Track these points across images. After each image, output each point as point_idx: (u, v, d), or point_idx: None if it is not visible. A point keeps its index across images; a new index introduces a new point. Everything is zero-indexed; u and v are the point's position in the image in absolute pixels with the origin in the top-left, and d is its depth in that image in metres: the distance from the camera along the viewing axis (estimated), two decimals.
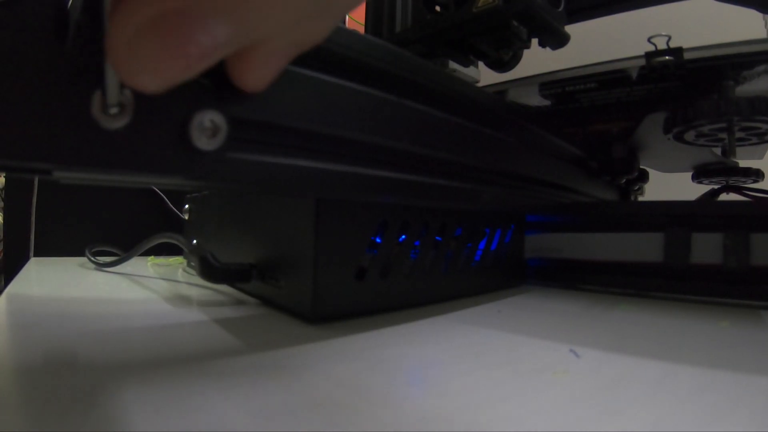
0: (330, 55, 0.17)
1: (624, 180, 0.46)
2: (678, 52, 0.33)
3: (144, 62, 0.09)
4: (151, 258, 0.45)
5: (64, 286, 0.30)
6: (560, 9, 0.29)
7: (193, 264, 0.25)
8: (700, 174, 0.45)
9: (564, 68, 0.39)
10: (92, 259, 0.38)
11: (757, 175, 0.43)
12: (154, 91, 0.09)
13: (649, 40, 0.34)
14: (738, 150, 0.37)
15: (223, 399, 0.11)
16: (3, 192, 0.59)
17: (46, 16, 0.10)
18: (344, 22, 0.69)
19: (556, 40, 0.29)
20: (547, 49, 0.30)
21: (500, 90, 0.42)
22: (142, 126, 0.11)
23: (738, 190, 0.42)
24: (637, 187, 0.51)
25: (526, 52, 0.32)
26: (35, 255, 0.47)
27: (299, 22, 0.10)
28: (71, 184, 0.13)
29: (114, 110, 0.10)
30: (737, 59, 0.32)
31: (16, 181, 0.48)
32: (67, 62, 0.10)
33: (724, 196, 0.43)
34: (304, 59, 0.16)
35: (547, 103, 0.42)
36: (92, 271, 0.36)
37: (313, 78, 0.16)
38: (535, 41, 0.30)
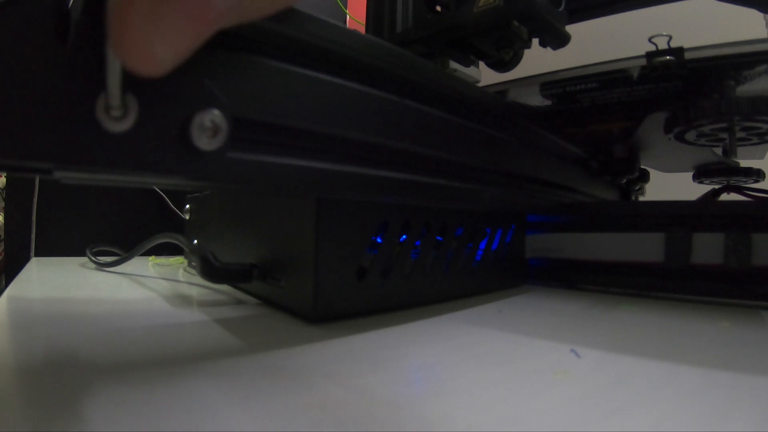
0: (331, 55, 0.17)
1: (625, 180, 0.46)
2: (679, 51, 0.33)
3: (164, 30, 0.08)
4: (152, 258, 0.45)
5: (64, 286, 0.30)
6: (561, 9, 0.29)
7: (193, 264, 0.25)
8: (700, 174, 0.45)
9: (565, 68, 0.39)
10: (93, 258, 0.38)
11: (758, 175, 0.43)
12: (161, 68, 0.09)
13: (650, 39, 0.34)
14: (739, 150, 0.37)
15: (224, 399, 0.11)
16: (4, 192, 0.59)
17: (47, 16, 0.10)
18: (345, 22, 0.69)
19: (557, 40, 0.29)
20: (548, 49, 0.30)
21: (501, 90, 0.42)
22: (144, 126, 0.11)
23: (739, 190, 0.42)
24: (637, 187, 0.51)
25: (526, 52, 0.32)
26: (36, 255, 0.47)
27: None
28: (72, 184, 0.13)
29: (117, 112, 0.10)
30: (738, 59, 0.32)
31: (17, 181, 0.48)
32: (69, 62, 0.10)
33: (725, 196, 0.43)
34: (306, 59, 0.16)
35: (547, 103, 0.42)
36: (93, 270, 0.36)
37: (314, 78, 0.16)
38: (535, 41, 0.30)
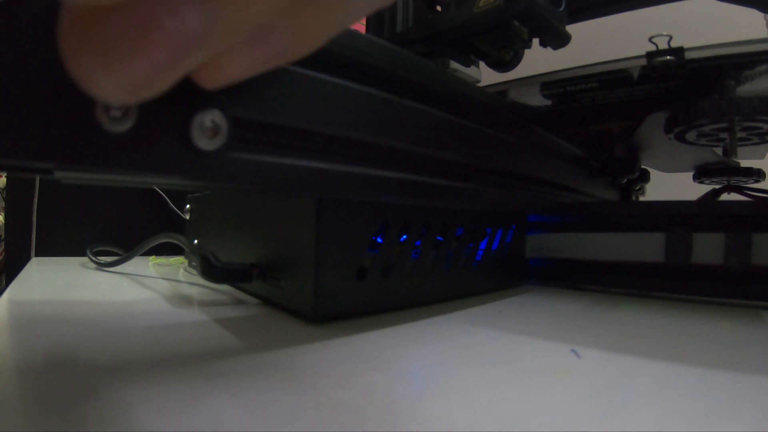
0: (331, 55, 0.17)
1: (625, 180, 0.46)
2: (679, 51, 0.33)
3: (100, 54, 0.07)
4: (152, 258, 0.45)
5: (65, 286, 0.30)
6: (561, 9, 0.29)
7: (194, 264, 0.25)
8: (701, 174, 0.45)
9: (565, 68, 0.39)
10: (93, 258, 0.38)
11: (759, 175, 0.43)
12: (116, 100, 0.08)
13: (650, 39, 0.34)
14: (739, 150, 0.37)
15: (224, 399, 0.11)
16: (4, 192, 0.59)
17: (48, 16, 0.10)
18: None
19: (558, 40, 0.29)
20: (549, 48, 0.30)
21: (501, 90, 0.42)
22: (143, 126, 0.11)
23: (739, 190, 0.42)
24: (638, 187, 0.51)
25: (527, 51, 0.32)
26: (36, 255, 0.47)
27: (284, 17, 0.09)
28: (72, 184, 0.13)
29: (117, 113, 0.10)
30: (738, 59, 0.32)
31: (17, 181, 0.48)
32: None
33: (725, 196, 0.43)
34: (306, 59, 0.16)
35: (548, 102, 0.42)
36: (93, 270, 0.36)
37: (314, 78, 0.16)
38: (536, 41, 0.30)
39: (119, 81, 0.07)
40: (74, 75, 0.08)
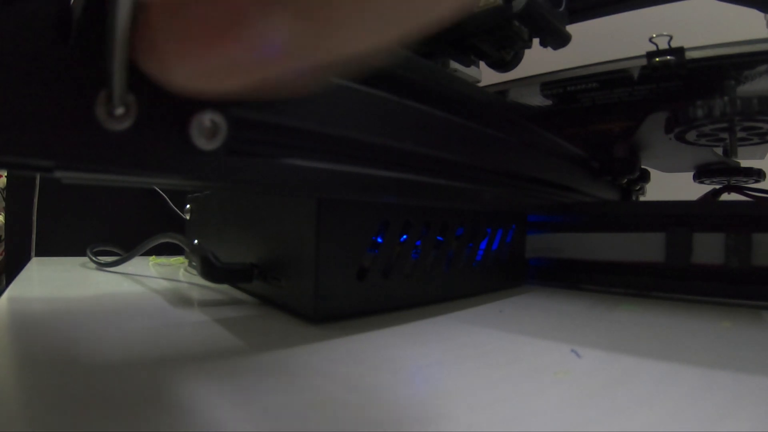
0: None
1: (625, 180, 0.46)
2: (679, 51, 0.33)
3: (182, 38, 0.07)
4: (152, 258, 0.45)
5: (65, 286, 0.30)
6: (561, 9, 0.29)
7: (194, 264, 0.25)
8: (701, 174, 0.45)
9: (565, 68, 0.39)
10: (94, 258, 0.38)
11: (759, 175, 0.43)
12: (183, 87, 0.08)
13: (650, 39, 0.34)
14: (739, 150, 0.37)
15: (225, 399, 0.11)
16: (4, 192, 0.59)
17: (48, 15, 0.10)
18: None
19: (558, 39, 0.29)
20: (549, 48, 0.30)
21: (501, 90, 0.42)
22: (143, 125, 0.11)
23: (739, 190, 0.42)
24: (638, 187, 0.51)
25: (527, 51, 0.32)
26: (37, 255, 0.47)
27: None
28: (72, 183, 0.13)
29: (120, 111, 0.10)
30: (739, 59, 0.32)
31: (17, 181, 0.48)
32: (70, 61, 0.10)
33: (725, 196, 0.43)
34: None
35: (548, 102, 0.42)
36: (93, 270, 0.36)
37: None
38: (536, 41, 0.30)
39: (191, 68, 0.07)
40: (146, 56, 0.08)
